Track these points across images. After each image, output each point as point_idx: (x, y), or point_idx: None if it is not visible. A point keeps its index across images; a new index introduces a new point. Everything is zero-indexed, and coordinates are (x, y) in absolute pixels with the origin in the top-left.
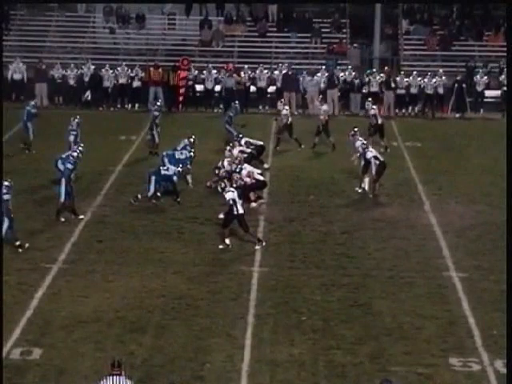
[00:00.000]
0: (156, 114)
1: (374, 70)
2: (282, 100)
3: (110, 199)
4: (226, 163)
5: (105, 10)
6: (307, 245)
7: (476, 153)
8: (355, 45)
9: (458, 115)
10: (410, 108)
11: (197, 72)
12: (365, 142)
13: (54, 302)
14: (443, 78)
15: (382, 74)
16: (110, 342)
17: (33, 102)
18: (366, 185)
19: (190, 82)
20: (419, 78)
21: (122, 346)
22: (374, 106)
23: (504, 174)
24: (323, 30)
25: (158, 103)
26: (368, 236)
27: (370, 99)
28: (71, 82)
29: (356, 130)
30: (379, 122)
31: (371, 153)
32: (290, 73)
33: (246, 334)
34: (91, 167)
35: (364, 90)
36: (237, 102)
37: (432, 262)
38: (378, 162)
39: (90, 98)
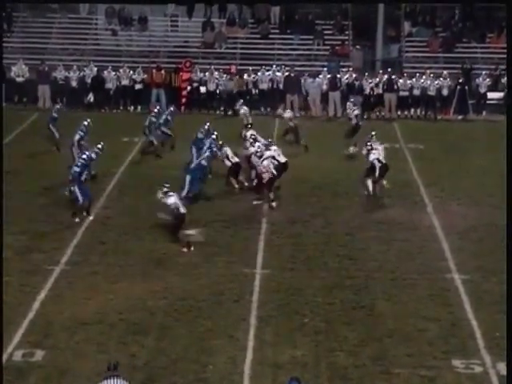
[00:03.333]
0: (153, 119)
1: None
2: (283, 105)
3: (113, 201)
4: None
5: (107, 11)
6: (309, 246)
7: (478, 155)
8: (358, 46)
9: (460, 117)
10: (413, 110)
11: (202, 74)
12: (369, 144)
13: (57, 304)
14: (448, 79)
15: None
16: (112, 343)
17: (58, 106)
18: (370, 187)
19: (195, 84)
20: (422, 80)
21: (124, 348)
22: (355, 107)
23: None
24: (326, 31)
25: (155, 110)
26: (370, 238)
27: (352, 100)
28: (74, 83)
29: (374, 133)
30: (359, 123)
31: (373, 155)
32: (292, 75)
33: (248, 335)
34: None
35: (366, 92)
36: (173, 106)
37: (434, 264)
38: (380, 165)
39: (92, 99)
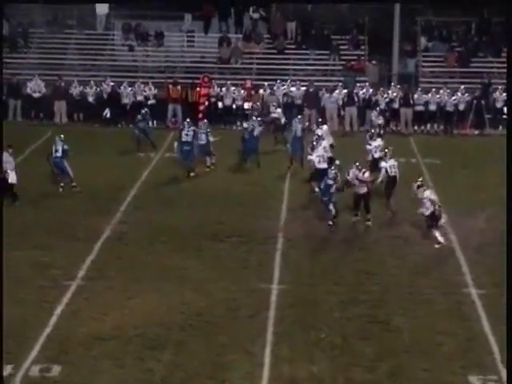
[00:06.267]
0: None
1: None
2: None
3: (129, 216)
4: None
5: (124, 27)
6: (325, 261)
7: (495, 169)
8: (373, 61)
9: (476, 132)
10: (429, 125)
11: (219, 89)
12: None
13: (73, 319)
14: (466, 94)
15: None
16: (128, 358)
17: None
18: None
19: (213, 100)
20: (438, 96)
21: (140, 363)
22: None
23: None
24: (341, 46)
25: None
26: (387, 252)
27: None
28: (90, 99)
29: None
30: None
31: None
32: (311, 90)
33: (264, 351)
34: (110, 184)
35: (381, 107)
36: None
37: (451, 279)
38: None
39: (109, 115)
